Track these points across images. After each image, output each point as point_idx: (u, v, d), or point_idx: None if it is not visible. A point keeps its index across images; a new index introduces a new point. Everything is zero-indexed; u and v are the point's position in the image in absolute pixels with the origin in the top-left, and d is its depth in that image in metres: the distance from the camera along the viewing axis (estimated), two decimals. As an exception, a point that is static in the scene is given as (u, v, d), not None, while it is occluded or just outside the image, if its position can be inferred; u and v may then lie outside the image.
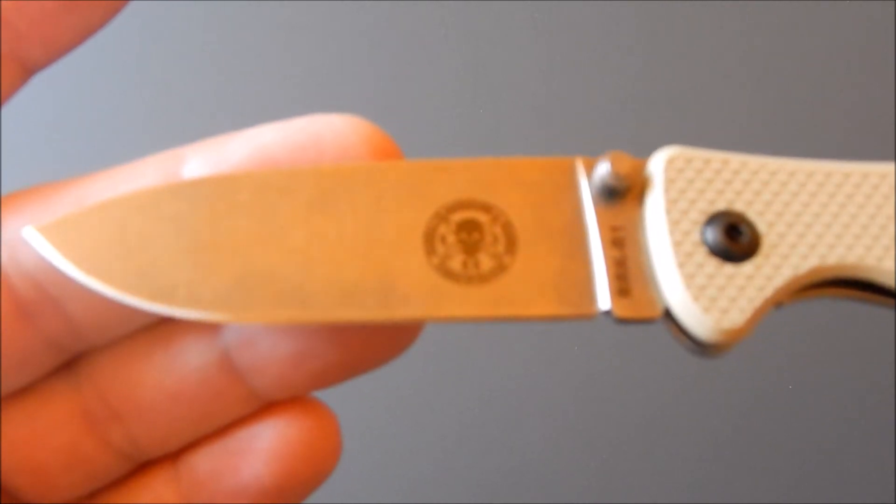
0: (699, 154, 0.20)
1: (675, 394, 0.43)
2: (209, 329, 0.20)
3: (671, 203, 0.20)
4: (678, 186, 0.20)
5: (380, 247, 0.19)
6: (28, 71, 0.20)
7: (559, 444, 0.42)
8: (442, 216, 0.20)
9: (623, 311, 0.19)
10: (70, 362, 0.21)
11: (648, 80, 0.47)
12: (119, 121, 0.46)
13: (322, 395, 0.21)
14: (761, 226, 0.19)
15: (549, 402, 0.43)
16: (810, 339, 0.44)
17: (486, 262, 0.19)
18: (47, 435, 0.20)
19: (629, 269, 0.19)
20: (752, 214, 0.20)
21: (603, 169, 0.20)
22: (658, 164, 0.20)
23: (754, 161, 0.20)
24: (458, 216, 0.20)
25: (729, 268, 0.19)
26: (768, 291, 0.19)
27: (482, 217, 0.20)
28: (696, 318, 0.19)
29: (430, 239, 0.19)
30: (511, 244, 0.20)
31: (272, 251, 0.19)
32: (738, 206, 0.20)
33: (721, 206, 0.20)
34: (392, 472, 0.42)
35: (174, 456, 0.21)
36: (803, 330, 0.43)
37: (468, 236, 0.20)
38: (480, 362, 0.44)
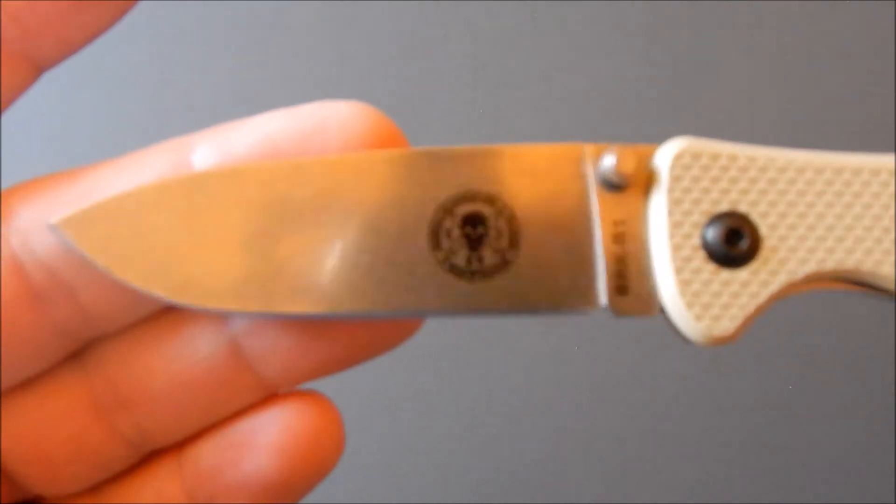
0: (707, 149, 0.20)
1: (675, 393, 0.44)
2: (217, 317, 0.21)
3: (674, 204, 0.20)
4: (683, 185, 0.20)
5: (386, 240, 0.20)
6: (38, 69, 0.20)
7: (559, 444, 0.44)
8: (447, 209, 0.20)
9: (620, 308, 0.20)
10: (78, 351, 0.21)
11: (658, 64, 0.46)
12: (123, 112, 0.45)
13: (321, 391, 0.22)
14: (763, 228, 0.20)
15: (549, 401, 0.44)
16: (810, 335, 0.44)
17: (489, 257, 0.20)
18: (55, 424, 0.21)
19: (629, 266, 0.20)
20: (756, 216, 0.20)
21: (608, 163, 0.20)
22: (665, 158, 0.20)
23: (763, 156, 0.20)
24: (463, 209, 0.20)
25: (725, 273, 0.19)
26: (762, 298, 0.19)
27: (487, 210, 0.20)
28: (687, 323, 0.19)
29: (435, 233, 0.20)
30: (514, 238, 0.20)
31: (280, 245, 0.20)
32: (742, 208, 0.20)
33: (724, 207, 0.20)
34: (391, 471, 0.43)
35: (178, 450, 0.22)
36: (803, 326, 0.44)
37: (473, 230, 0.20)
38: (480, 361, 0.44)
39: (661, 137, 0.20)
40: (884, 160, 0.20)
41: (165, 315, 0.21)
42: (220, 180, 0.20)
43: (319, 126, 0.20)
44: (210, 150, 0.20)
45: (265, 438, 0.21)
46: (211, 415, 0.21)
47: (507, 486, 0.43)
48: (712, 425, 0.44)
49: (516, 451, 0.43)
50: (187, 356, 0.21)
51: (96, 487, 0.22)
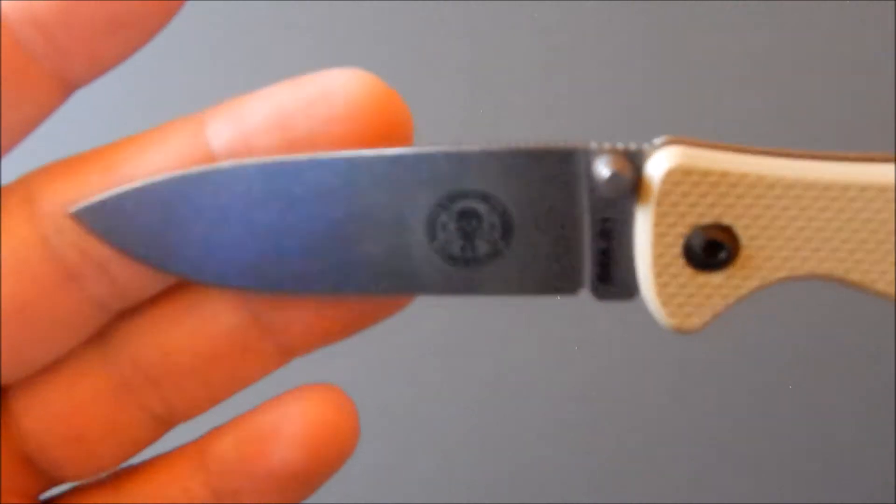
0: (699, 164, 0.20)
1: (674, 392, 0.43)
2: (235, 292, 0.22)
3: (660, 216, 0.20)
4: (671, 199, 0.20)
5: (384, 232, 0.21)
6: (70, 88, 0.20)
7: (558, 443, 0.43)
8: (443, 205, 0.21)
9: (602, 294, 0.21)
10: (102, 331, 0.22)
11: (655, 60, 0.45)
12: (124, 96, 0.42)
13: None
14: (744, 239, 0.20)
15: (548, 400, 0.43)
16: (809, 334, 0.42)
17: (482, 247, 0.21)
18: (87, 404, 0.22)
19: (612, 259, 0.21)
20: (739, 228, 0.20)
21: (600, 174, 0.20)
22: (657, 170, 0.20)
23: (754, 173, 0.20)
24: (458, 205, 0.21)
25: (701, 277, 0.21)
26: (731, 300, 0.21)
27: (481, 207, 0.21)
28: (660, 317, 0.21)
29: (431, 226, 0.21)
30: (507, 231, 0.21)
31: (287, 234, 0.21)
32: (727, 220, 0.20)
33: (709, 220, 0.20)
34: (389, 470, 0.43)
35: (201, 444, 0.22)
36: (802, 324, 0.42)
37: (467, 224, 0.21)
38: (479, 361, 0.43)
39: (657, 129, 0.20)
40: (874, 174, 0.20)
41: (184, 290, 0.22)
42: (226, 173, 0.21)
43: (324, 93, 0.20)
44: (223, 124, 0.21)
45: (289, 430, 0.21)
46: (236, 384, 0.22)
47: (506, 485, 0.44)
48: (712, 425, 0.44)
49: (515, 450, 0.44)
50: (210, 328, 0.22)
51: (118, 485, 0.23)
